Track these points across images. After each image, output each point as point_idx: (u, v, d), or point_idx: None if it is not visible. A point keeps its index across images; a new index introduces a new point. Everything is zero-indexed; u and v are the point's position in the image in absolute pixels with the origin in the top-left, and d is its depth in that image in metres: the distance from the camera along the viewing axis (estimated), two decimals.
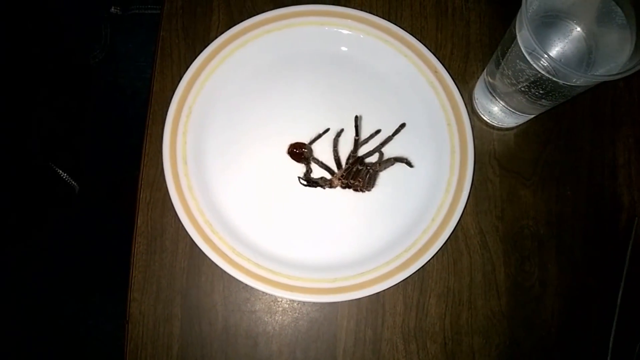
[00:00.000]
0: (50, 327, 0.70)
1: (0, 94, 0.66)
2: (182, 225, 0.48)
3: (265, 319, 0.49)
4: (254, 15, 0.53)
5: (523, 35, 0.39)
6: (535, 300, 0.50)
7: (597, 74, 0.40)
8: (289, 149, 0.52)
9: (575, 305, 0.51)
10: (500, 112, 0.52)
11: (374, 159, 0.52)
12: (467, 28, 0.56)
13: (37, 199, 0.70)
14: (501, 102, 0.50)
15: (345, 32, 0.54)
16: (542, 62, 0.39)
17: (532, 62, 0.39)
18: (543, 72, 0.39)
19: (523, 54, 0.40)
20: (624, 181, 0.53)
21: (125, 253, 0.50)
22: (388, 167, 0.51)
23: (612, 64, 0.41)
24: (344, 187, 0.51)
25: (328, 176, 0.51)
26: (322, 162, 0.51)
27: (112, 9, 0.81)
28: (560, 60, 0.36)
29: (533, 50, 0.39)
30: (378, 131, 0.52)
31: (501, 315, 0.50)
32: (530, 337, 0.50)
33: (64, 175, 0.71)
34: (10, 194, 0.66)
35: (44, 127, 0.72)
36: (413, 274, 0.48)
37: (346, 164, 0.51)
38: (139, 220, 0.50)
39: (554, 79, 0.39)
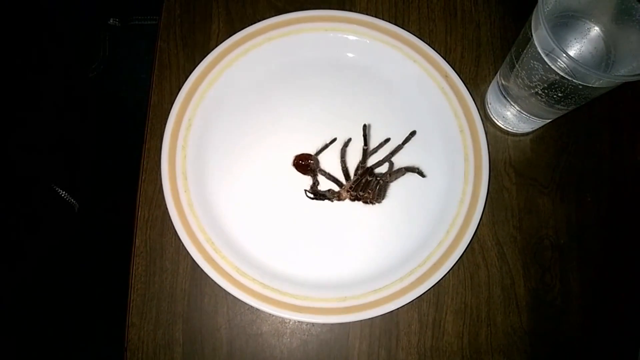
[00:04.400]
0: (46, 352, 0.68)
1: None
2: (183, 244, 0.47)
3: (273, 342, 0.47)
4: (255, 22, 0.53)
5: (540, 36, 0.38)
6: (558, 315, 0.49)
7: (619, 74, 0.38)
8: (294, 160, 0.51)
9: (600, 319, 0.49)
10: (514, 117, 0.50)
11: (383, 169, 0.50)
12: (477, 30, 0.55)
13: (35, 218, 0.69)
14: (516, 106, 0.49)
15: (351, 37, 0.53)
16: (559, 63, 0.38)
17: (549, 63, 0.38)
18: (561, 74, 0.38)
19: (539, 55, 0.39)
20: None
21: (125, 274, 0.48)
22: (399, 177, 0.50)
23: (634, 64, 0.40)
24: (352, 200, 0.50)
25: (336, 188, 0.50)
26: (329, 174, 0.50)
27: (111, 21, 0.81)
28: (579, 61, 0.35)
29: (551, 51, 0.38)
30: (387, 140, 0.51)
31: (522, 331, 0.48)
32: (554, 354, 0.48)
33: (63, 193, 0.69)
34: (7, 213, 0.64)
35: (42, 144, 0.71)
36: (428, 290, 0.46)
37: (355, 175, 0.50)
38: (137, 240, 0.49)
39: (573, 80, 0.38)
